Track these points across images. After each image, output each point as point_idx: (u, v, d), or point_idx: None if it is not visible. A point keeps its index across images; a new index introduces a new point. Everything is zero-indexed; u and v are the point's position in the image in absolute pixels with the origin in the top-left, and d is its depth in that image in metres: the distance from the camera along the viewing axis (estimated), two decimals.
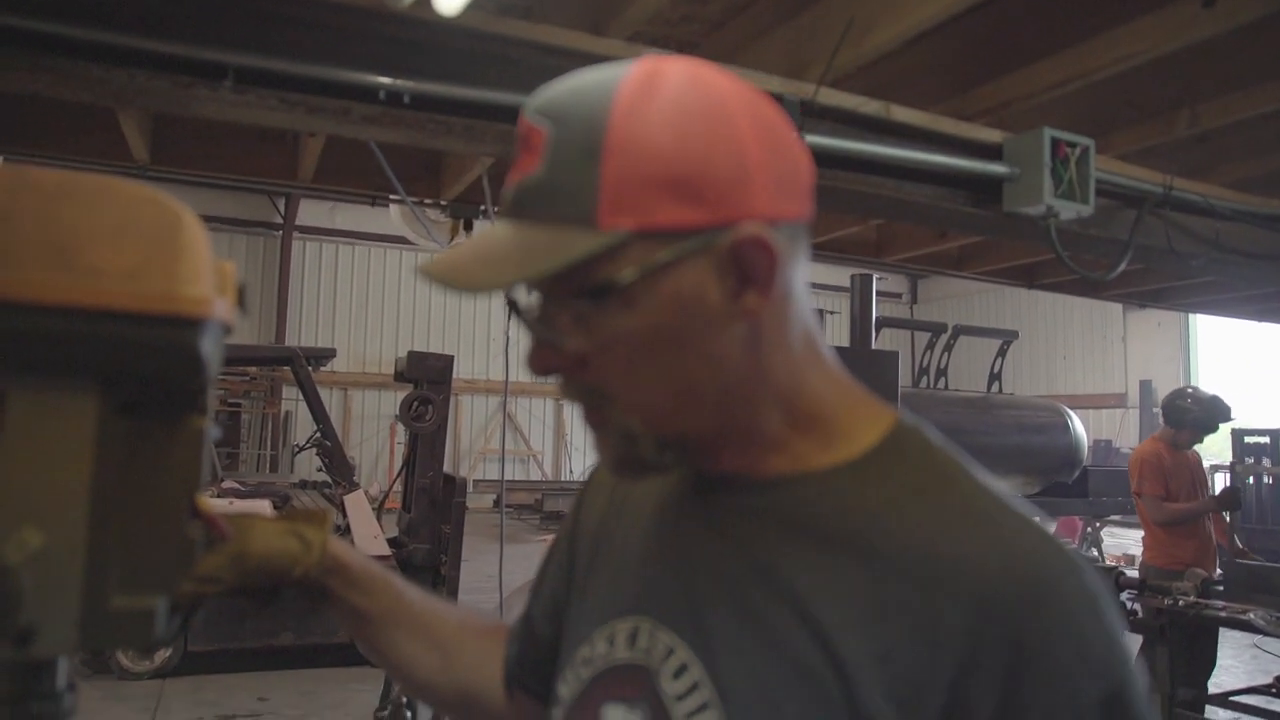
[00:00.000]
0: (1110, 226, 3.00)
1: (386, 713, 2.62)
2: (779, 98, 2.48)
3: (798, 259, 0.69)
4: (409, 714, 2.33)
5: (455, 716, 1.08)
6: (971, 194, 2.70)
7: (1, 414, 0.70)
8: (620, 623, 0.76)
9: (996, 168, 2.64)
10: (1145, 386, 16.38)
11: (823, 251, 4.87)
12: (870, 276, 5.99)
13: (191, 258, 0.75)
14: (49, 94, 1.85)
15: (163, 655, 5.54)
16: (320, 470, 6.52)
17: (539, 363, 0.71)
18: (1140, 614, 4.12)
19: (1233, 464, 10.80)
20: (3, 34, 1.71)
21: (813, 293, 0.74)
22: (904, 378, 6.02)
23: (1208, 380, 15.46)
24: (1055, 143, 2.53)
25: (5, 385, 0.70)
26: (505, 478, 7.45)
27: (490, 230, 0.71)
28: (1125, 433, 16.31)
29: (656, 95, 0.65)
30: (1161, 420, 5.03)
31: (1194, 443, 4.91)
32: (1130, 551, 10.32)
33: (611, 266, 0.64)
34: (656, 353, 0.67)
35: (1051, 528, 0.72)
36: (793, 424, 0.71)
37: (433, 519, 5.09)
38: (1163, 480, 4.75)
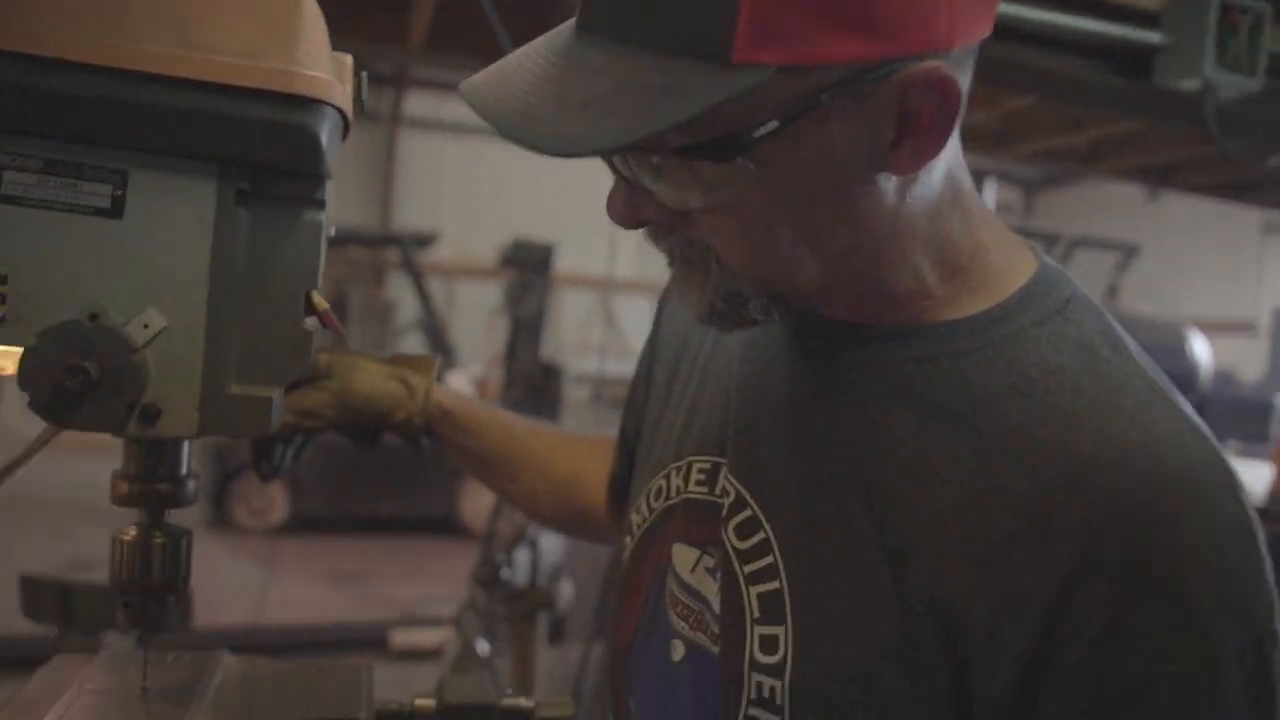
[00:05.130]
0: (1278, 109, 2.74)
1: (484, 571, 2.72)
2: None
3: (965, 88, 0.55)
4: (509, 572, 2.43)
5: (579, 537, 1.09)
6: (1119, 65, 2.49)
7: (124, 195, 0.70)
8: (698, 460, 0.70)
9: (1150, 35, 2.42)
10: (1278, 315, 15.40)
11: None
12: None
13: (310, 41, 0.74)
14: None
15: (277, 513, 5.89)
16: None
17: (627, 214, 0.58)
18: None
19: None
20: None
21: None
22: None
23: None
24: (1224, 8, 2.29)
25: (127, 164, 0.70)
26: (602, 372, 7.52)
27: (564, 47, 0.54)
28: (1249, 364, 15.42)
29: None
30: None
31: None
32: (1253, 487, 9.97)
33: (744, 113, 0.50)
34: (785, 214, 0.55)
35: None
36: (921, 275, 0.60)
37: (530, 405, 5.21)
38: None
